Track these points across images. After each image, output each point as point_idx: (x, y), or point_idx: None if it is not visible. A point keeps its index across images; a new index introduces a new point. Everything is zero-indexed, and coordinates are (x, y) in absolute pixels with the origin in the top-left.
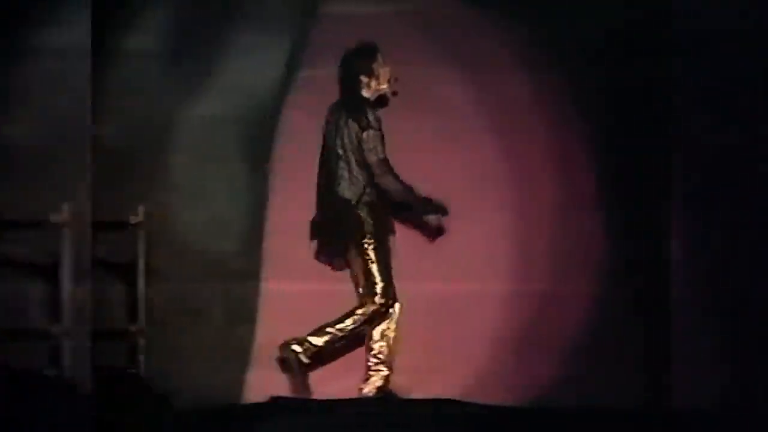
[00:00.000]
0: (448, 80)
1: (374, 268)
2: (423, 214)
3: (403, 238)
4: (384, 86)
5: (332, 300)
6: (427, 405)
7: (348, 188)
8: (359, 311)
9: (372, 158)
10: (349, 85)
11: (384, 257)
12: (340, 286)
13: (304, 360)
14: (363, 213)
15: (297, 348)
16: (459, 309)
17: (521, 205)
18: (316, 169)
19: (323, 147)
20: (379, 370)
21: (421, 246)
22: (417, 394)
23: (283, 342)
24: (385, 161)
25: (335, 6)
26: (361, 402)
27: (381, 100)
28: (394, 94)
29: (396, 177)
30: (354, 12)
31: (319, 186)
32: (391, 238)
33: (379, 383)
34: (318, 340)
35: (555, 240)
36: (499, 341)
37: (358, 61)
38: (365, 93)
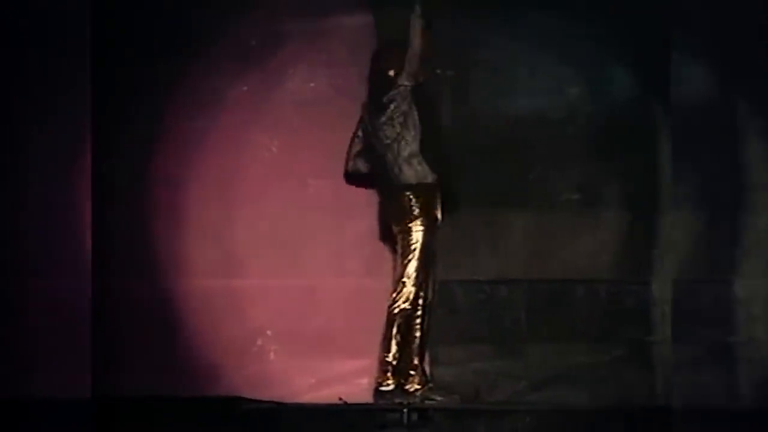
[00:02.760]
0: None
1: (409, 261)
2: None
3: None
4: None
5: None
6: None
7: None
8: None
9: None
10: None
11: (425, 252)
12: None
13: (387, 386)
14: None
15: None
16: None
17: None
18: None
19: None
20: (387, 377)
21: None
22: None
23: None
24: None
25: None
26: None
27: None
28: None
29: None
30: None
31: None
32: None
33: (384, 388)
34: (389, 356)
35: None
36: None
37: (385, 58)
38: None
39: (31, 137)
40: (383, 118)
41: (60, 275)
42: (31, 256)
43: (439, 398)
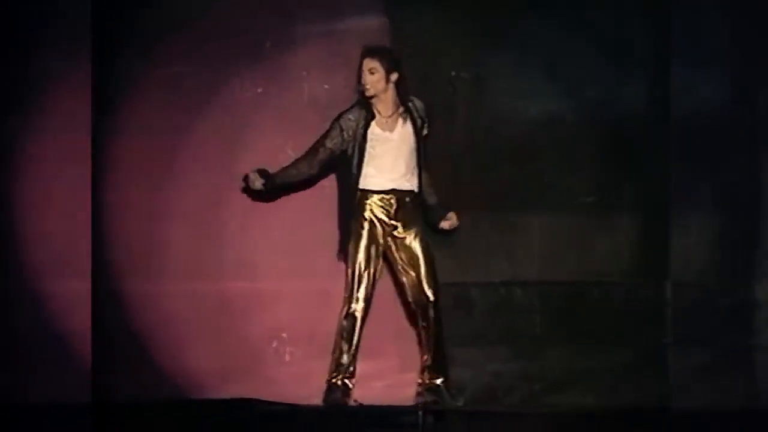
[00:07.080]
0: None
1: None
2: None
3: None
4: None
5: None
6: None
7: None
8: None
9: None
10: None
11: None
12: None
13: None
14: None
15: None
16: None
17: None
18: None
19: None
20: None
21: None
22: None
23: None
24: None
25: None
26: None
27: None
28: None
29: None
30: None
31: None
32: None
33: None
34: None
35: None
36: None
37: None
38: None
39: (31, 139)
40: None
41: (67, 278)
42: (30, 260)
43: (447, 400)
